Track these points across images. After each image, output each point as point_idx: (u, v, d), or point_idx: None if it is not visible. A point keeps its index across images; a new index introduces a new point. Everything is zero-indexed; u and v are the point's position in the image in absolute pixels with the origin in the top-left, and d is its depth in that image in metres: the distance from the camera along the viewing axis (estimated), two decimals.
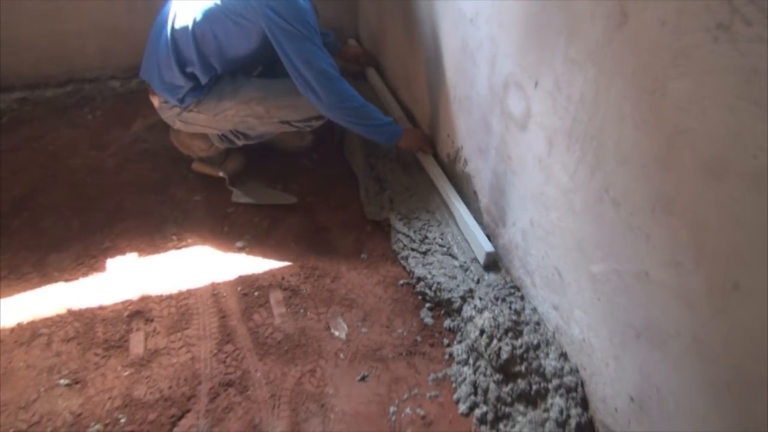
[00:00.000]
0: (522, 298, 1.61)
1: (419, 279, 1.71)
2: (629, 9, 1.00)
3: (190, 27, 1.78)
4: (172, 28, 1.81)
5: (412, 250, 1.78)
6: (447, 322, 1.64)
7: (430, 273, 1.70)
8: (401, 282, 1.77)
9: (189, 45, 1.79)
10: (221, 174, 2.09)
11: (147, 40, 1.91)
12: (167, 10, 1.85)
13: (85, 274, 1.79)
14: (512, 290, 1.62)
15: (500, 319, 1.48)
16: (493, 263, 1.72)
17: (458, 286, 1.65)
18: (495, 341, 1.44)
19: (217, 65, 1.86)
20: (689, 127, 0.92)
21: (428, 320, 1.66)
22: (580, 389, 1.40)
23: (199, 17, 1.76)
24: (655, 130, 1.00)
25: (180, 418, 1.44)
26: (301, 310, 1.70)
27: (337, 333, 1.64)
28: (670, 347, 1.07)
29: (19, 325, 1.63)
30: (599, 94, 1.12)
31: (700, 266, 0.96)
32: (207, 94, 1.92)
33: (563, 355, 1.46)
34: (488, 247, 1.70)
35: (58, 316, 1.66)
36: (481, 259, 1.71)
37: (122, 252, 1.87)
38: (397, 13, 2.23)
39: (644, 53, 0.99)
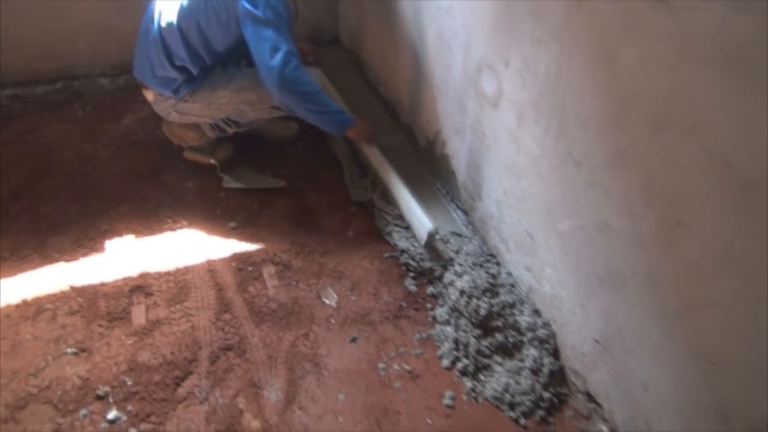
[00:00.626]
0: (498, 264, 1.75)
1: (403, 251, 1.84)
2: None
3: (175, 22, 1.88)
4: (159, 25, 1.91)
5: (396, 225, 1.92)
6: (430, 289, 1.77)
7: (412, 245, 1.84)
8: (386, 255, 1.90)
9: (176, 40, 1.90)
10: (212, 161, 2.20)
11: (136, 40, 2.01)
12: (152, 9, 1.95)
13: (84, 255, 1.88)
14: (489, 257, 1.77)
15: (478, 281, 1.62)
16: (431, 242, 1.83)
17: (439, 255, 1.78)
18: (474, 300, 1.58)
19: (205, 57, 1.97)
20: (637, 90, 1.07)
21: (412, 288, 1.79)
22: (552, 340, 1.55)
23: (183, 12, 1.87)
24: (609, 95, 1.15)
25: (183, 379, 1.54)
26: (293, 282, 1.81)
27: (327, 301, 1.76)
28: (628, 288, 1.22)
29: (24, 301, 1.71)
30: (561, 67, 1.27)
31: (649, 210, 1.11)
32: (201, 85, 2.03)
33: (536, 312, 1.60)
34: (428, 225, 1.81)
35: (62, 292, 1.75)
36: (422, 238, 1.82)
37: (120, 234, 1.96)
38: (377, 11, 2.37)
39: (598, 28, 1.14)
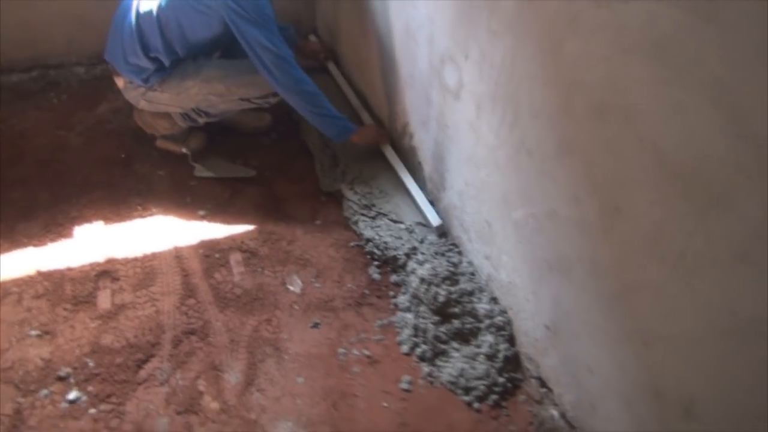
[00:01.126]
0: (460, 253, 1.79)
1: (368, 240, 1.87)
2: None
3: (155, 13, 1.90)
4: (137, 13, 1.93)
5: (362, 215, 1.94)
6: (393, 278, 1.80)
7: (377, 234, 1.86)
8: (352, 244, 1.93)
9: (154, 31, 1.92)
10: (184, 150, 2.22)
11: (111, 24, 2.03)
12: None
13: (53, 240, 1.89)
14: (451, 247, 1.80)
15: (439, 269, 1.65)
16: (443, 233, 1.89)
17: (403, 245, 1.81)
18: (433, 287, 1.61)
19: (179, 50, 1.99)
20: (580, 79, 1.11)
21: (376, 276, 1.82)
22: (508, 327, 1.58)
23: (163, 4, 1.89)
24: (556, 85, 1.18)
25: (145, 361, 1.57)
26: (259, 269, 1.84)
27: (292, 288, 1.78)
28: (575, 273, 1.26)
29: None
30: (515, 58, 1.31)
31: (592, 197, 1.15)
32: (170, 74, 2.04)
33: (494, 299, 1.63)
34: (436, 220, 1.87)
35: (28, 276, 1.76)
36: (434, 230, 1.88)
37: (89, 220, 1.97)
38: (349, 4, 2.40)
39: (547, 20, 1.17)
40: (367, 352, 1.61)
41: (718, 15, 0.80)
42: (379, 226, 1.90)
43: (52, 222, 1.96)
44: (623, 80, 1.00)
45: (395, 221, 1.91)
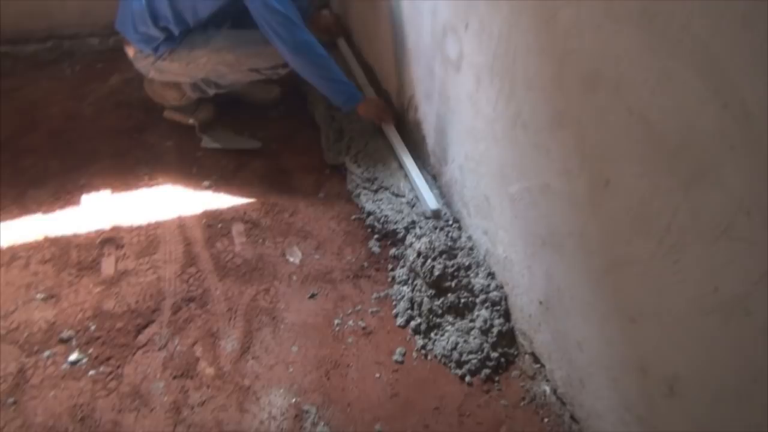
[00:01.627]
0: (460, 228, 1.78)
1: (369, 213, 1.87)
2: None
3: None
4: None
5: (364, 188, 1.94)
6: (392, 251, 1.80)
7: (378, 208, 1.86)
8: (353, 217, 1.93)
9: (163, 1, 1.92)
10: (191, 122, 2.23)
11: None
12: None
13: (61, 208, 1.93)
14: (451, 222, 1.79)
15: (436, 243, 1.64)
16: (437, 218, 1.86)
17: (403, 219, 1.81)
18: (429, 261, 1.60)
19: (189, 20, 1.99)
20: (573, 48, 1.08)
21: (376, 249, 1.82)
22: (503, 303, 1.57)
23: None
24: (550, 55, 1.16)
25: (144, 327, 1.60)
26: (260, 240, 1.85)
27: (291, 259, 1.80)
28: (566, 248, 1.24)
29: None
30: (511, 28, 1.28)
31: (582, 170, 1.12)
32: (180, 44, 2.05)
33: (491, 275, 1.62)
34: (433, 204, 1.85)
35: (36, 242, 1.81)
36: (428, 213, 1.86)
37: (97, 189, 2.01)
38: None
39: None
40: (362, 324, 1.62)
41: None
42: (380, 200, 1.89)
43: (61, 189, 2.00)
44: (613, 49, 0.97)
45: (397, 195, 1.91)
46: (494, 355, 1.52)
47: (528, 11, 1.20)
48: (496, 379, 1.51)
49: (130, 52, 2.11)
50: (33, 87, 2.47)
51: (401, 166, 2.01)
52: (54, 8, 2.61)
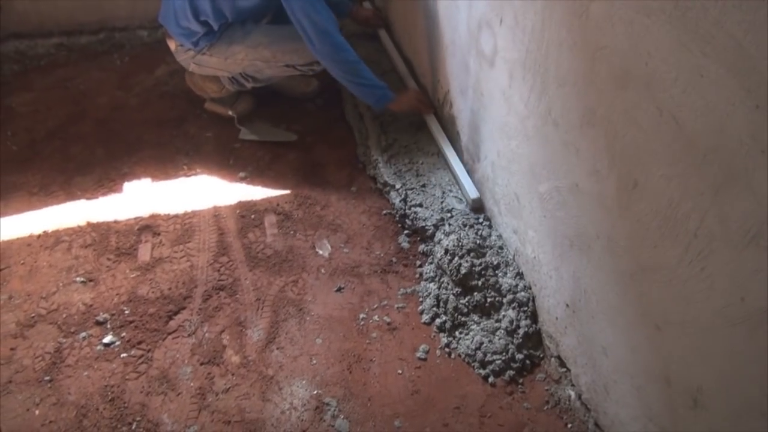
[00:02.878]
0: (490, 226, 1.75)
1: (398, 209, 1.86)
2: None
3: None
4: None
5: (393, 185, 1.93)
6: (421, 247, 1.79)
7: (408, 204, 1.85)
8: (384, 212, 1.93)
9: None
10: (230, 113, 2.27)
11: None
12: None
13: (104, 194, 2.00)
14: (482, 219, 1.76)
15: (464, 241, 1.62)
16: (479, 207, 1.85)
17: (432, 215, 1.79)
18: (456, 258, 1.59)
19: (229, 15, 2.02)
20: (605, 45, 1.04)
21: (405, 245, 1.81)
22: (531, 304, 1.54)
23: None
24: (582, 51, 1.12)
25: (176, 313, 1.64)
26: (291, 232, 1.87)
27: (321, 252, 1.81)
28: (593, 250, 1.20)
29: (45, 232, 1.85)
30: (544, 23, 1.24)
31: (611, 170, 1.09)
32: (219, 39, 2.09)
33: (519, 275, 1.59)
34: (473, 193, 1.83)
35: (79, 227, 1.88)
36: (468, 203, 1.85)
37: (138, 177, 2.07)
38: None
39: None
40: (387, 319, 1.62)
41: None
42: (411, 197, 1.87)
43: (105, 177, 2.07)
44: (645, 46, 0.93)
45: (429, 192, 1.89)
46: (519, 356, 1.49)
47: (561, 5, 1.16)
48: (520, 381, 1.48)
49: (172, 45, 2.16)
50: (84, 77, 2.56)
51: (439, 159, 2.00)
52: (106, 1, 2.69)
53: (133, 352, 1.55)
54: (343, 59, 1.93)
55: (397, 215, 1.87)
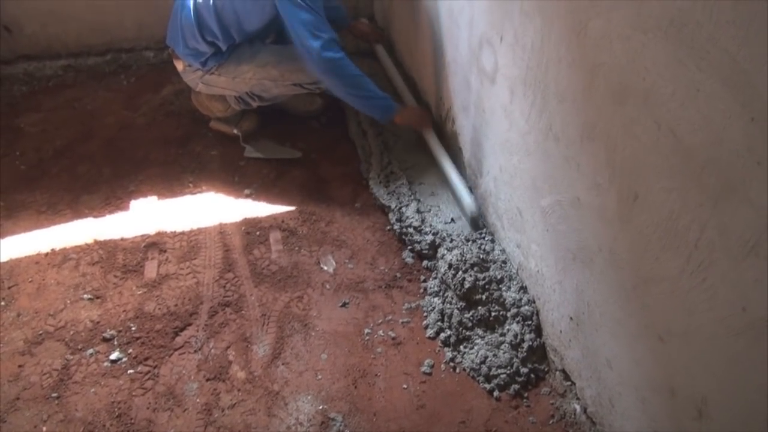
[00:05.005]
0: (493, 240, 1.76)
1: (400, 224, 1.88)
2: None
3: (212, 1, 1.98)
4: (195, 1, 2.01)
5: (397, 200, 1.95)
6: (425, 262, 1.80)
7: (410, 219, 1.86)
8: (388, 227, 1.94)
9: (211, 16, 2.00)
10: (236, 132, 2.30)
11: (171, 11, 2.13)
12: None
13: (111, 212, 2.03)
14: (484, 234, 1.77)
15: (467, 255, 1.63)
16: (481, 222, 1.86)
17: (428, 236, 1.80)
18: (460, 273, 1.60)
19: (235, 35, 2.06)
20: (603, 61, 1.06)
21: (409, 260, 1.82)
22: (535, 317, 1.55)
23: None
24: (580, 67, 1.14)
25: (182, 329, 1.65)
26: (296, 248, 1.89)
27: (325, 267, 1.82)
28: (596, 263, 1.21)
29: (53, 250, 1.88)
30: (543, 40, 1.27)
31: (612, 184, 1.10)
32: (227, 59, 2.12)
33: (523, 288, 1.60)
34: (472, 208, 1.85)
35: (86, 244, 1.90)
36: (470, 219, 1.86)
37: (144, 195, 2.10)
38: None
39: None
40: (392, 334, 1.63)
41: None
42: (411, 212, 1.89)
43: (111, 195, 2.09)
44: (642, 61, 0.95)
45: (430, 208, 1.91)
46: (524, 370, 1.49)
47: (559, 23, 1.19)
48: (525, 395, 1.48)
49: (179, 66, 2.20)
50: (92, 97, 2.61)
51: (440, 175, 2.02)
52: (113, 24, 2.75)
53: (139, 368, 1.55)
54: (345, 73, 1.94)
55: (397, 233, 1.88)
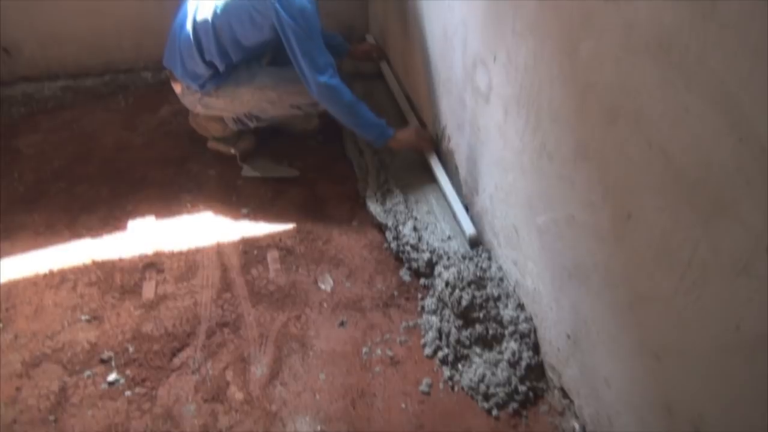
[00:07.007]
0: (490, 258, 1.76)
1: (397, 243, 1.88)
2: None
3: (210, 20, 2.00)
4: (194, 21, 2.04)
5: (394, 218, 1.95)
6: (422, 280, 1.80)
7: (406, 237, 1.87)
8: (385, 246, 1.95)
9: (209, 36, 2.02)
10: (233, 151, 2.32)
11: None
12: (187, 6, 2.09)
13: (109, 232, 2.03)
14: (480, 251, 1.78)
15: (464, 273, 1.64)
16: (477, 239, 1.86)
17: (425, 253, 1.80)
18: (457, 291, 1.60)
19: (232, 54, 2.08)
20: (594, 81, 1.08)
21: (406, 278, 1.83)
22: (532, 335, 1.55)
23: (218, 11, 1.99)
24: (573, 87, 1.16)
25: (180, 350, 1.65)
26: (294, 267, 1.89)
27: (323, 286, 1.82)
28: (592, 281, 1.22)
29: (51, 271, 1.88)
30: (536, 60, 1.29)
31: (606, 202, 1.11)
32: (225, 81, 2.15)
33: (520, 306, 1.60)
34: (470, 229, 1.86)
35: (84, 265, 1.90)
36: (466, 239, 1.86)
37: (142, 215, 2.10)
38: (395, 8, 2.43)
39: (563, 20, 1.15)
40: (390, 353, 1.63)
41: (718, 12, 0.76)
42: (408, 230, 1.89)
43: (109, 215, 2.10)
44: (633, 82, 0.97)
45: (427, 225, 1.91)
46: (522, 388, 1.49)
47: (551, 44, 1.20)
48: (524, 413, 1.48)
49: (178, 88, 2.22)
50: (90, 118, 2.63)
51: (437, 194, 2.03)
52: (111, 45, 2.78)
53: (137, 390, 1.55)
54: (341, 101, 1.99)
55: (394, 251, 1.89)
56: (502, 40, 1.44)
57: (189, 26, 2.05)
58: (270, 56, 2.30)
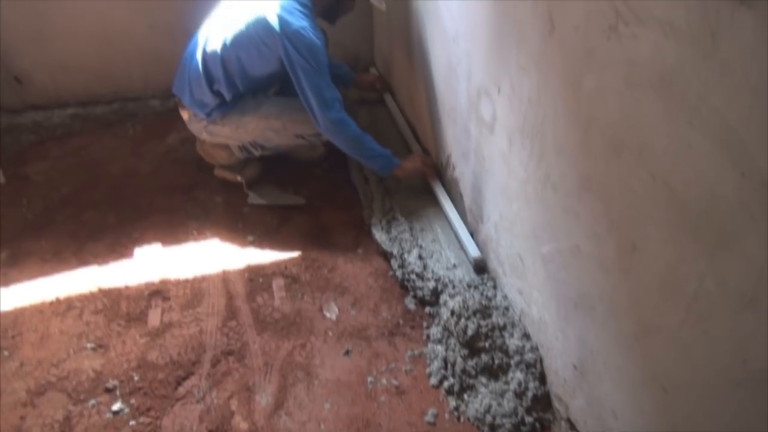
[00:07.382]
0: (495, 286, 1.77)
1: (402, 271, 1.89)
2: (555, 18, 1.19)
3: (219, 51, 2.05)
4: (204, 51, 2.08)
5: (399, 246, 1.96)
6: (428, 309, 1.81)
7: (411, 265, 1.88)
8: (390, 273, 1.95)
9: (217, 67, 2.06)
10: (239, 179, 2.34)
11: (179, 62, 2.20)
12: (197, 37, 2.13)
13: (115, 260, 2.04)
14: (486, 280, 1.78)
15: (470, 302, 1.64)
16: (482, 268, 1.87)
17: (429, 282, 1.81)
18: (463, 320, 1.60)
19: (239, 84, 2.12)
20: (596, 115, 1.10)
21: (411, 306, 1.83)
22: (538, 365, 1.54)
23: (227, 43, 2.03)
24: (576, 120, 1.17)
25: (185, 378, 1.65)
26: (299, 295, 1.89)
27: (328, 314, 1.82)
28: (597, 311, 1.22)
29: (57, 299, 1.88)
30: (540, 93, 1.31)
31: (610, 234, 1.12)
32: (231, 110, 2.18)
33: (526, 335, 1.60)
34: (475, 252, 1.87)
35: (90, 293, 1.91)
36: (471, 263, 1.87)
37: (149, 242, 2.12)
38: (400, 40, 2.47)
39: (567, 55, 1.17)
40: (395, 382, 1.62)
41: (719, 50, 0.78)
42: (413, 258, 1.90)
43: (116, 242, 2.11)
44: (635, 116, 0.98)
45: (432, 253, 1.92)
46: (529, 419, 1.48)
47: (555, 77, 1.23)
48: None
49: (185, 115, 2.25)
50: (98, 145, 2.66)
51: (442, 221, 2.04)
52: (120, 74, 2.82)
53: (141, 419, 1.54)
54: (347, 135, 2.04)
55: (399, 279, 1.90)
56: (507, 73, 1.46)
57: (199, 56, 2.09)
58: (278, 87, 2.33)
